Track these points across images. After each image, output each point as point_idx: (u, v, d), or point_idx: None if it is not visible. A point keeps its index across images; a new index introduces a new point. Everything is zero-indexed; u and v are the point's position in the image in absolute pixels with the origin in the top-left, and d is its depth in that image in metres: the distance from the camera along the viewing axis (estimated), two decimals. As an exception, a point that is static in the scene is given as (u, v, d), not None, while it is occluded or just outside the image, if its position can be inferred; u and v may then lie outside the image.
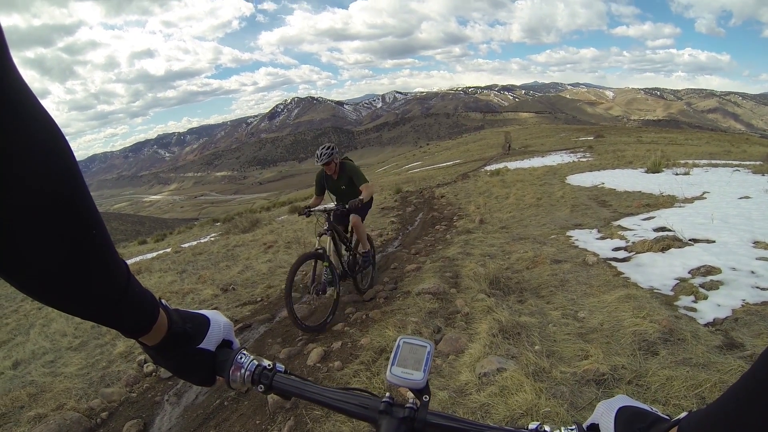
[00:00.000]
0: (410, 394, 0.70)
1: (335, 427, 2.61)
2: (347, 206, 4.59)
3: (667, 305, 3.47)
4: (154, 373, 4.01)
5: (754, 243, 4.62)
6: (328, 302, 4.66)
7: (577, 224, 6.85)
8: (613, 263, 4.66)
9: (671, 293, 3.74)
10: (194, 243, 14.04)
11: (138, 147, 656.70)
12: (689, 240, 4.95)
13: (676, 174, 10.81)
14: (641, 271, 4.33)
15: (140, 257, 15.10)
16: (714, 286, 3.69)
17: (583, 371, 2.61)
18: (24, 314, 8.72)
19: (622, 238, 5.52)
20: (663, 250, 4.72)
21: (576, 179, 11.99)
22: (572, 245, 5.61)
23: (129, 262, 13.53)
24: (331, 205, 4.89)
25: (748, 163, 13.29)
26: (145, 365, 4.21)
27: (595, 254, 4.99)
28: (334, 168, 4.95)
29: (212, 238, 14.22)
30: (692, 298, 3.56)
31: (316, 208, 4.85)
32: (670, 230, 5.39)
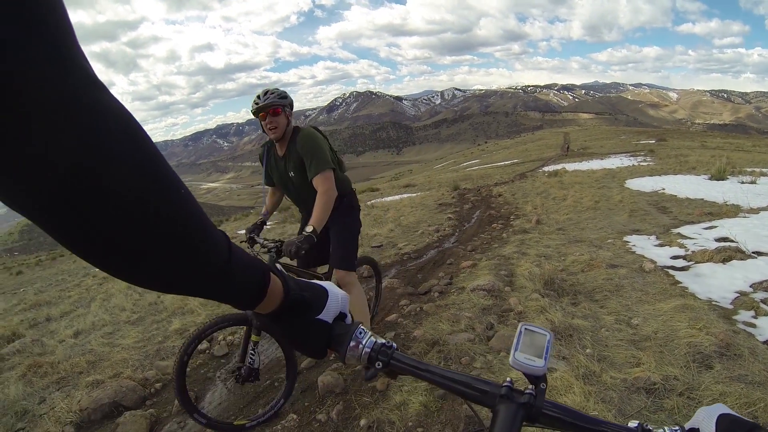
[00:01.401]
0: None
1: (383, 414, 2.63)
2: (291, 250, 2.47)
3: (725, 318, 3.30)
4: (207, 350, 4.09)
5: (823, 259, 4.31)
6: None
7: (635, 230, 6.60)
8: (671, 272, 4.47)
9: (730, 306, 3.56)
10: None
11: (197, 136, 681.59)
12: (753, 252, 4.68)
13: (742, 182, 10.18)
14: (700, 281, 4.14)
15: None
16: (776, 301, 3.48)
17: (633, 378, 2.55)
18: (86, 288, 9.17)
19: (681, 246, 5.27)
20: (724, 261, 4.48)
21: (635, 183, 11.51)
22: (629, 251, 5.41)
23: None
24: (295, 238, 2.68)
25: None
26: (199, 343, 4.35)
27: (652, 261, 4.79)
28: (280, 131, 2.81)
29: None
30: (752, 313, 3.38)
31: (258, 234, 2.99)
32: (732, 241, 5.10)
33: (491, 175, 23.36)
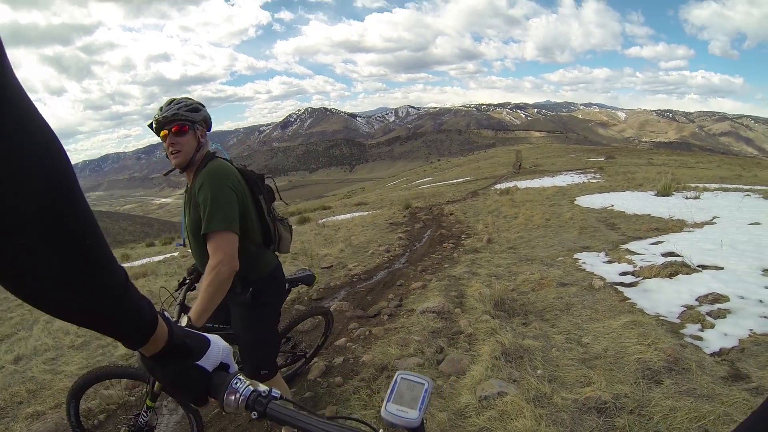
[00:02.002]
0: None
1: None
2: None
3: (672, 333, 3.41)
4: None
5: (763, 271, 4.54)
6: None
7: (584, 247, 6.79)
8: (620, 288, 4.60)
9: (677, 321, 3.68)
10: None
11: (151, 149, 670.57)
12: (697, 266, 4.89)
13: (686, 198, 10.70)
14: (648, 296, 4.27)
15: (147, 259, 15.20)
16: (721, 314, 3.62)
17: (584, 398, 2.56)
18: (28, 309, 8.81)
19: (629, 262, 5.45)
20: (671, 275, 4.65)
21: (585, 200, 11.91)
22: (579, 268, 5.56)
23: (136, 264, 13.62)
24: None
25: (759, 187, 13.14)
26: (145, 372, 4.19)
27: (601, 278, 4.93)
28: (185, 156, 2.12)
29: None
30: (699, 326, 3.50)
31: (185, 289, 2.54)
32: (678, 255, 5.32)
33: (443, 193, 23.67)
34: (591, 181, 18.62)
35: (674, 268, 4.77)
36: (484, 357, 3.20)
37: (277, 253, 2.48)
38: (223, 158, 2.21)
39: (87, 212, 0.54)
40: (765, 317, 3.49)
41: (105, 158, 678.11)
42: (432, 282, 5.72)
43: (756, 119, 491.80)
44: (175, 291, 2.53)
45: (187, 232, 2.23)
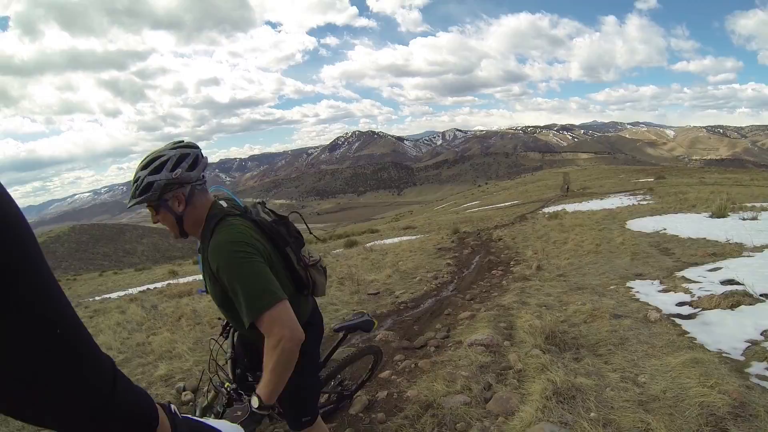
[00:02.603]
0: None
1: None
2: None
3: (737, 372, 3.12)
4: (191, 403, 3.94)
5: (835, 300, 4.15)
6: None
7: (638, 274, 6.44)
8: (678, 320, 4.29)
9: (742, 358, 3.37)
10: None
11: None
12: (761, 295, 4.51)
13: (743, 219, 10.09)
14: (708, 330, 3.96)
15: (193, 277, 15.46)
16: (790, 350, 3.30)
17: (643, 448, 2.36)
18: None
19: (686, 291, 5.10)
20: (732, 306, 4.30)
21: (636, 224, 11.41)
22: (633, 298, 5.24)
23: (182, 281, 13.86)
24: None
25: None
26: (183, 393, 4.18)
27: (657, 309, 4.62)
28: (176, 230, 1.86)
29: None
30: (765, 364, 3.20)
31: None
32: (739, 283, 4.95)
33: (491, 217, 23.31)
34: (641, 203, 17.93)
35: (736, 298, 4.40)
36: (535, 396, 3.02)
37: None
38: (231, 213, 1.88)
39: (55, 289, 0.43)
40: (840, 354, 3.15)
41: None
42: (480, 312, 5.54)
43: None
44: (223, 342, 2.38)
45: (209, 292, 1.96)
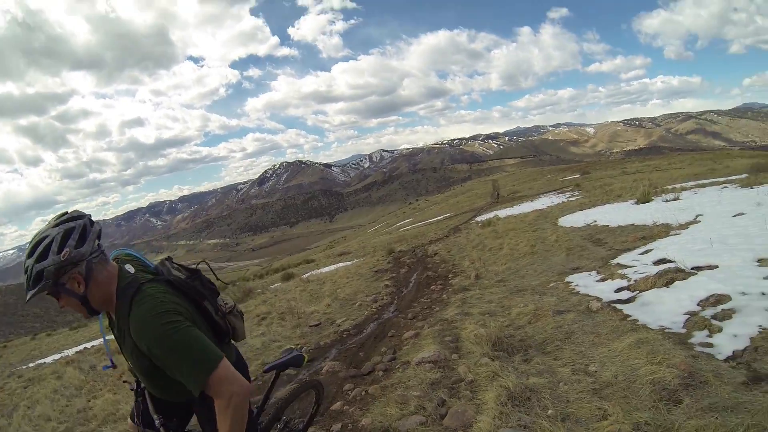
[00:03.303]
0: None
1: None
2: None
3: (681, 344, 3.29)
4: None
5: (758, 261, 4.50)
6: None
7: (574, 268, 6.72)
8: (618, 306, 4.49)
9: (683, 330, 3.57)
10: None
11: (130, 215, 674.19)
12: (692, 269, 4.82)
13: (666, 201, 10.84)
14: (648, 310, 4.17)
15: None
16: (726, 315, 3.53)
17: (604, 435, 2.41)
18: (9, 393, 8.82)
19: (623, 277, 5.36)
20: (667, 284, 4.56)
21: (568, 220, 11.96)
22: (573, 292, 5.44)
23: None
24: None
25: (734, 178, 13.48)
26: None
27: (598, 299, 4.82)
28: (83, 311, 1.73)
29: None
30: (706, 332, 3.40)
31: None
32: (670, 261, 5.27)
33: (425, 233, 23.66)
34: (570, 200, 18.84)
35: (669, 275, 4.68)
36: (490, 404, 3.03)
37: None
38: (144, 279, 1.77)
39: None
40: (772, 311, 3.40)
41: None
42: (424, 329, 5.55)
43: (718, 113, 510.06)
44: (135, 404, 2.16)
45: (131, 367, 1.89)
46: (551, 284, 6.10)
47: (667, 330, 3.65)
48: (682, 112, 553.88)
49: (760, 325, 3.22)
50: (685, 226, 7.49)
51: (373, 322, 7.04)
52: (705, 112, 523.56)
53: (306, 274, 16.73)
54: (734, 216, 7.22)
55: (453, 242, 14.53)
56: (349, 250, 29.78)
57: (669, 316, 3.89)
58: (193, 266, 2.09)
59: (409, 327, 5.97)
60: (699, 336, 3.38)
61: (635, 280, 5.03)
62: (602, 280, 5.58)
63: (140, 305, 1.65)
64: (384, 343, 5.63)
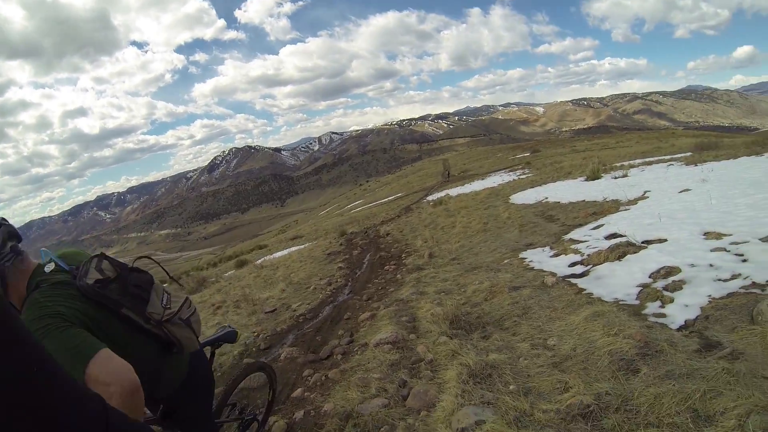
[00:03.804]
0: None
1: None
2: None
3: (636, 316, 3.43)
4: None
5: (705, 234, 4.73)
6: None
7: (528, 244, 6.88)
8: (573, 280, 4.63)
9: (637, 302, 3.72)
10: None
11: (77, 210, 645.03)
12: (642, 242, 5.03)
13: (615, 178, 11.24)
14: (602, 283, 4.32)
15: None
16: (677, 286, 3.70)
17: (567, 407, 2.48)
18: None
19: (576, 252, 5.54)
20: (619, 258, 4.74)
21: (519, 198, 12.23)
22: (527, 267, 5.58)
23: None
24: None
25: (679, 155, 14.09)
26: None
27: (552, 274, 4.96)
28: None
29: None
30: (659, 303, 3.55)
31: None
32: (621, 236, 5.47)
33: (377, 214, 23.70)
34: (521, 177, 19.25)
35: (621, 249, 4.87)
36: (451, 383, 3.07)
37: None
38: (44, 281, 1.70)
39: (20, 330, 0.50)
40: (719, 280, 3.59)
41: (29, 225, 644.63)
42: (380, 310, 5.57)
43: (663, 94, 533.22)
44: None
45: None
46: (505, 261, 6.23)
47: (621, 302, 3.79)
48: (629, 93, 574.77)
49: (710, 295, 3.39)
50: (634, 201, 7.78)
51: (329, 305, 7.01)
52: (651, 93, 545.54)
53: (259, 260, 16.57)
54: (680, 192, 7.56)
55: (405, 222, 14.61)
56: (301, 234, 29.59)
57: (622, 289, 4.04)
58: (129, 264, 1.95)
59: (365, 308, 5.98)
60: (652, 307, 3.52)
61: (588, 255, 5.21)
62: (556, 255, 5.75)
63: (26, 311, 1.59)
64: (341, 326, 5.62)
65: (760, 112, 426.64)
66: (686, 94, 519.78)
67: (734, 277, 3.57)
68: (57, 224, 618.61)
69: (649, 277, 4.08)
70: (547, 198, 10.71)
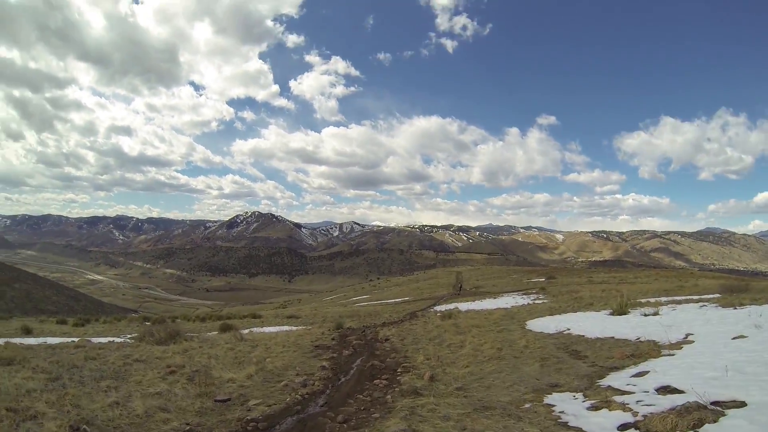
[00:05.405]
0: None
1: None
2: None
3: None
4: None
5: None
6: None
7: (552, 384, 5.50)
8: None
9: None
10: (105, 340, 12.15)
11: (94, 221, 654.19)
12: (711, 404, 3.67)
13: (645, 315, 10.24)
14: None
15: (41, 339, 13.20)
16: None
17: None
18: None
19: (624, 408, 4.07)
20: (695, 427, 3.31)
21: (537, 324, 11.01)
22: (559, 421, 4.09)
23: (20, 341, 11.60)
24: None
25: (708, 296, 13.57)
26: None
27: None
28: None
29: (126, 339, 12.47)
30: None
31: None
32: (678, 390, 4.16)
33: (380, 313, 22.42)
34: (536, 302, 18.23)
35: (693, 415, 3.45)
36: None
37: None
38: None
39: None
40: None
41: (46, 218, 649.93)
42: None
43: (682, 234, 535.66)
44: None
45: None
46: (526, 404, 4.78)
47: None
48: (648, 230, 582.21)
49: None
50: (678, 346, 6.64)
51: (293, 416, 5.54)
52: (670, 232, 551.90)
53: (246, 330, 15.55)
54: (734, 338, 6.54)
55: (408, 330, 13.19)
56: (299, 314, 28.49)
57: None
58: None
59: (335, 436, 4.52)
60: None
61: (644, 415, 3.76)
62: (595, 408, 4.28)
63: None
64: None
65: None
66: (704, 236, 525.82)
67: None
68: (71, 227, 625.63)
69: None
70: (569, 329, 9.47)
